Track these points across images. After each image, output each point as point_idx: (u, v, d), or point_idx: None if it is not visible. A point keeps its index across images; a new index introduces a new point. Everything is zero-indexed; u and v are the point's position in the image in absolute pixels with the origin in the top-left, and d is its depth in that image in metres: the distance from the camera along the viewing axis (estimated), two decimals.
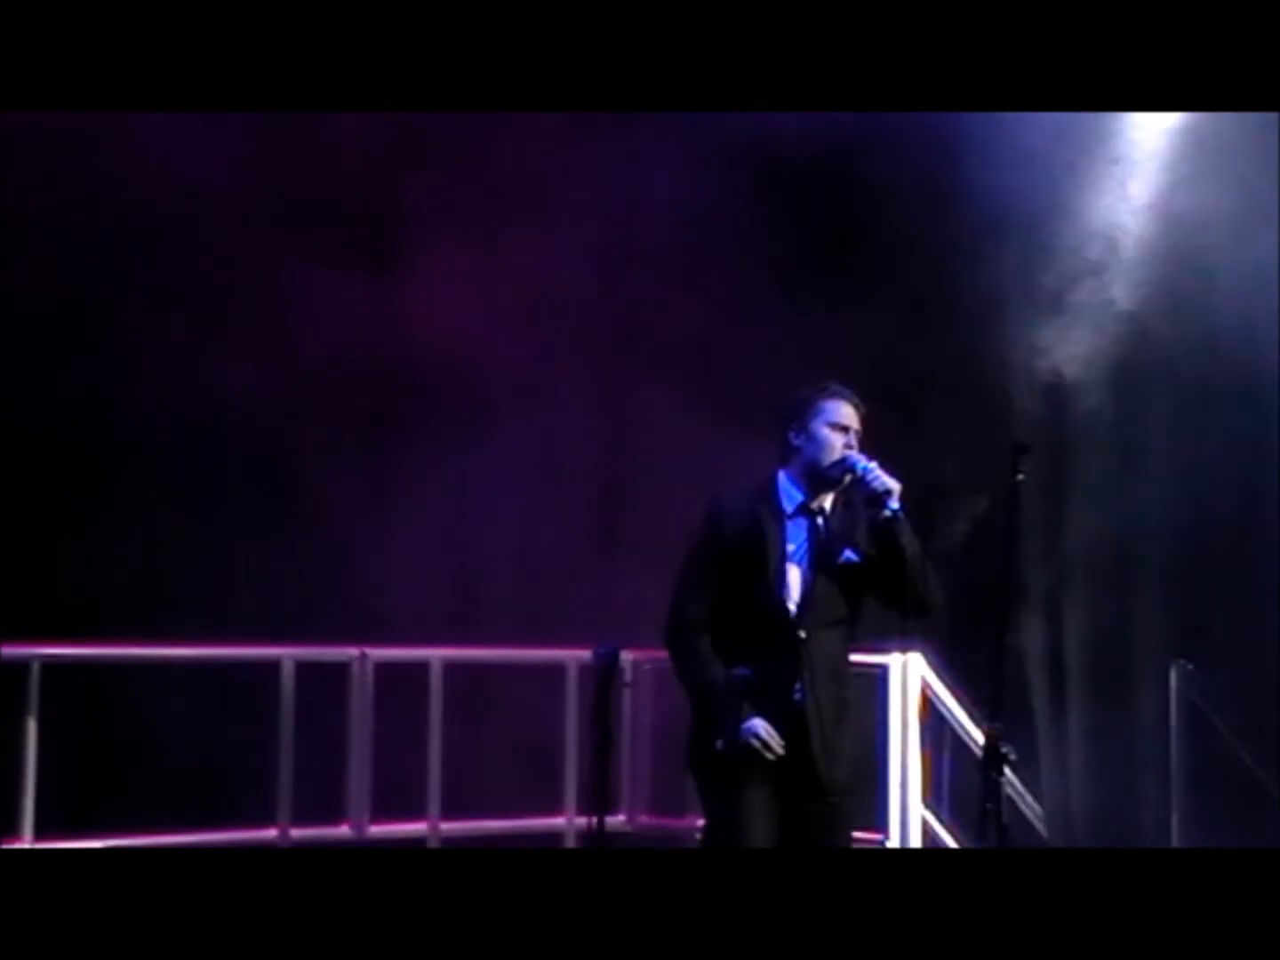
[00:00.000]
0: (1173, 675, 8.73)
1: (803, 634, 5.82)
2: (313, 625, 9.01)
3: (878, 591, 5.92)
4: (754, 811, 5.75)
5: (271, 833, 8.60)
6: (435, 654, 9.04)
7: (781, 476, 5.98)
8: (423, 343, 9.48)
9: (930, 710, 8.72)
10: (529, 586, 9.68)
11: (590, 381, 10.07)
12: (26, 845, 8.02)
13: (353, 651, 8.92)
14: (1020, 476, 6.00)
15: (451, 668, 9.10)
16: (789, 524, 5.92)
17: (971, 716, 8.60)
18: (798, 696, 5.81)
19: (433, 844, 8.91)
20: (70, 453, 8.97)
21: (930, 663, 8.78)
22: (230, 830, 8.48)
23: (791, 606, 5.86)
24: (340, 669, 8.91)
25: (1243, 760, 8.56)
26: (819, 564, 5.88)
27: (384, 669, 8.97)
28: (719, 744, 5.78)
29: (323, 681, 8.90)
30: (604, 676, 6.01)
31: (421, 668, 9.04)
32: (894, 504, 5.81)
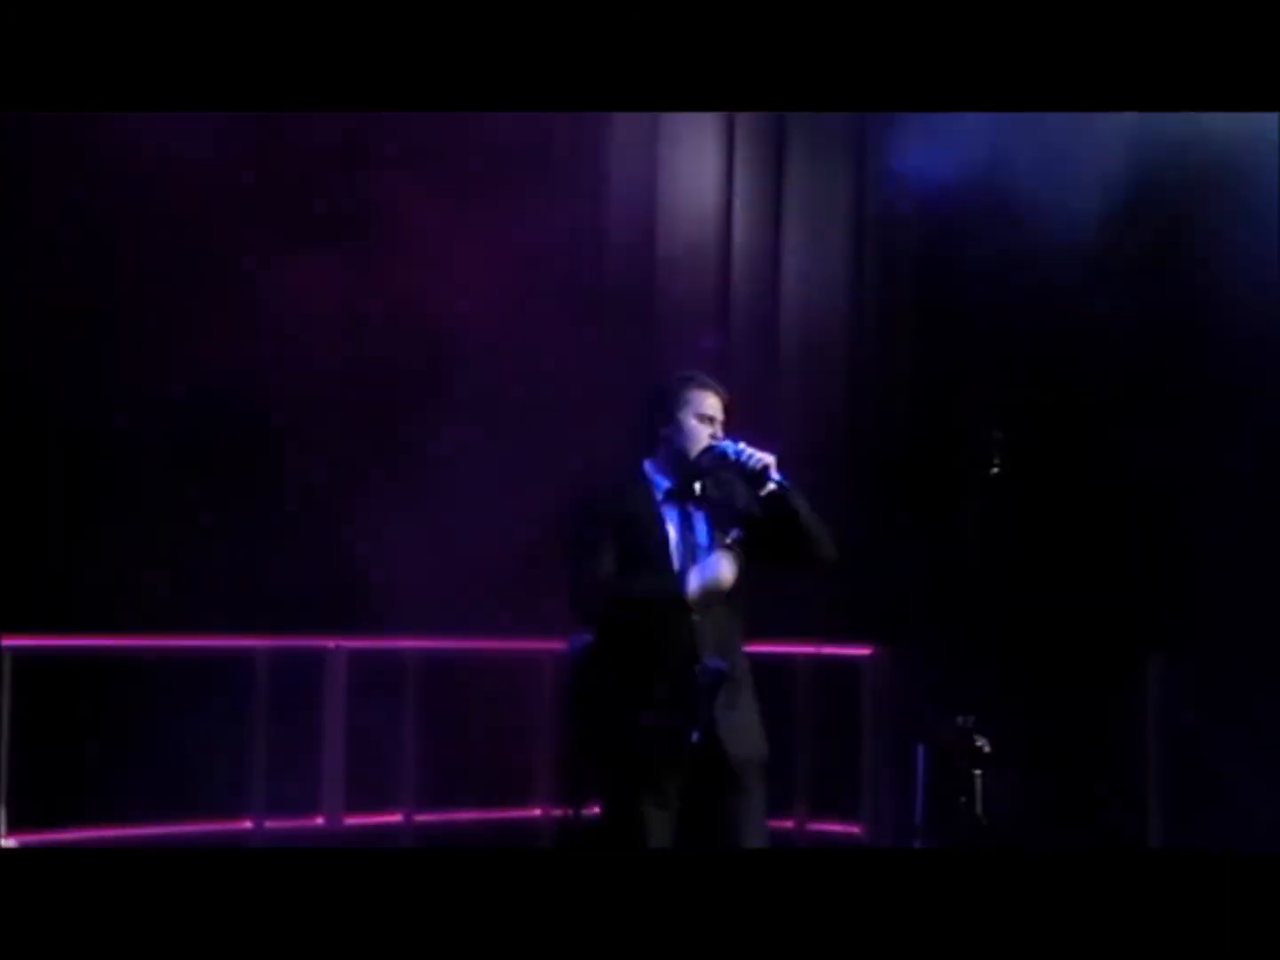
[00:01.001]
0: (1148, 667, 8.74)
1: (695, 617, 5.81)
2: (287, 616, 8.98)
3: (774, 556, 5.93)
4: (652, 809, 5.74)
5: (246, 824, 8.59)
6: (410, 645, 9.03)
7: (648, 466, 6.02)
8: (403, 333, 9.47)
9: (903, 703, 8.73)
10: (504, 577, 9.66)
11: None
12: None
13: (327, 643, 8.91)
14: (995, 469, 6.01)
15: (426, 659, 9.09)
16: (662, 511, 5.94)
17: (945, 710, 8.61)
18: (697, 672, 5.80)
19: (407, 835, 8.90)
20: (43, 442, 8.93)
21: (903, 656, 8.80)
22: (204, 822, 8.47)
23: (679, 586, 5.83)
24: (314, 660, 8.89)
25: (1218, 755, 8.57)
26: (699, 547, 5.89)
27: (358, 660, 8.95)
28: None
29: (297, 673, 8.89)
30: (579, 668, 5.99)
31: (396, 659, 9.03)
32: (775, 475, 5.84)
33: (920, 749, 8.29)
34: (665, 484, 5.99)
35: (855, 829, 8.68)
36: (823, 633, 9.10)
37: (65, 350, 8.94)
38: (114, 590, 8.89)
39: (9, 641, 8.15)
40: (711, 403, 6.00)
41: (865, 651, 8.85)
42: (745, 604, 5.96)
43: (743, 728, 5.85)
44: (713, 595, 5.81)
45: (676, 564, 5.87)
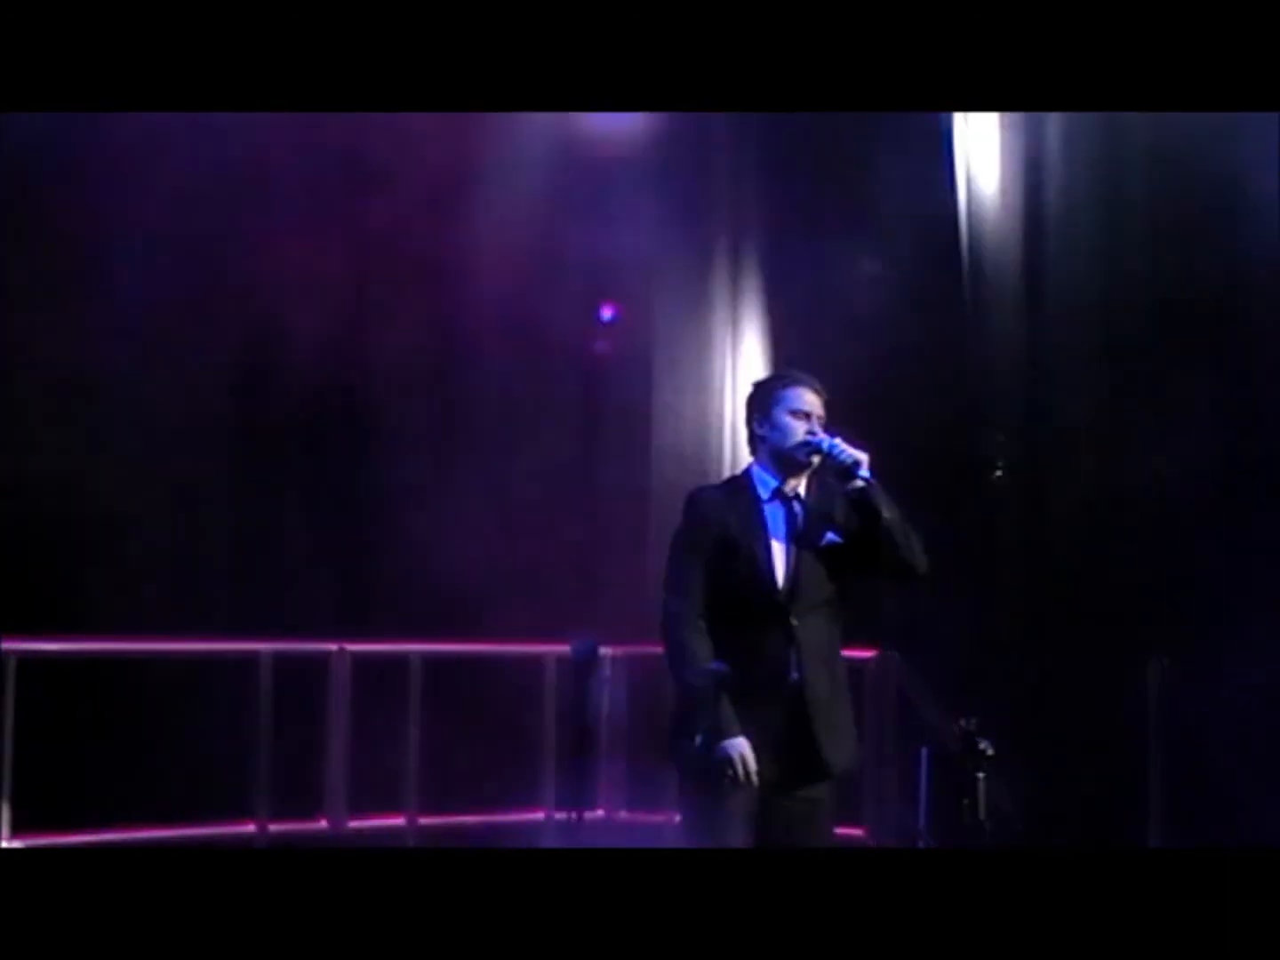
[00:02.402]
0: (1151, 672, 8.74)
1: (794, 620, 5.84)
2: (291, 620, 9.00)
3: (863, 566, 5.95)
4: (730, 815, 5.76)
5: (249, 827, 8.60)
6: (413, 648, 9.03)
7: (754, 467, 6.06)
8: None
9: (906, 706, 8.74)
10: (506, 581, 9.67)
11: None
12: (3, 844, 8.01)
13: (331, 646, 8.92)
14: (999, 473, 6.02)
15: (429, 662, 9.10)
16: (766, 510, 5.97)
17: (948, 712, 8.61)
18: (794, 680, 5.83)
19: (410, 838, 8.91)
20: (45, 444, 8.95)
21: (906, 659, 8.81)
22: (208, 825, 8.47)
23: (779, 591, 5.88)
24: (318, 663, 8.90)
25: (1220, 758, 8.57)
26: (800, 547, 5.93)
27: (362, 663, 8.96)
28: (697, 740, 5.77)
29: (301, 676, 8.90)
30: (582, 670, 6.01)
31: (400, 662, 9.04)
32: (864, 473, 5.86)
33: (923, 752, 8.30)
34: (772, 483, 6.00)
35: (858, 831, 8.69)
36: None
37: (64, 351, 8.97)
38: (117, 593, 8.91)
39: (12, 644, 8.15)
40: (807, 398, 6.02)
41: (868, 654, 8.86)
42: (843, 613, 5.99)
43: (841, 735, 5.90)
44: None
45: (780, 565, 5.91)
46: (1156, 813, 8.61)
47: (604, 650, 7.94)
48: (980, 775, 5.85)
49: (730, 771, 5.73)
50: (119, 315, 8.89)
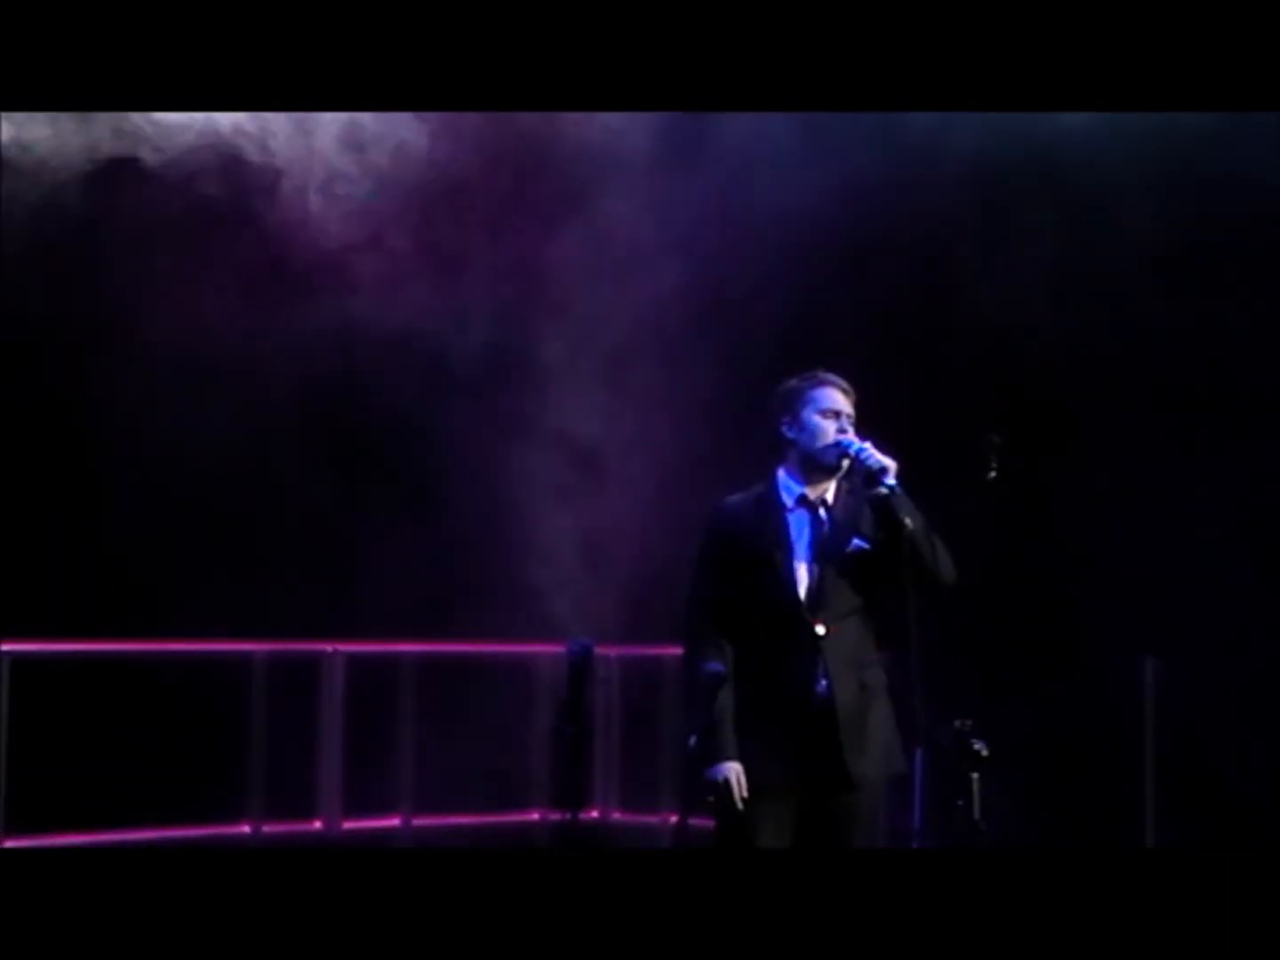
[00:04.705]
0: (1146, 670, 8.75)
1: (820, 629, 5.80)
2: (285, 621, 8.99)
3: (890, 574, 5.83)
4: (762, 824, 5.72)
5: (244, 828, 8.59)
6: (406, 649, 9.03)
7: (780, 473, 5.93)
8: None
9: (900, 706, 8.72)
10: (503, 581, 9.67)
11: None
12: None
13: (324, 647, 8.91)
14: (994, 473, 6.00)
15: (423, 663, 9.09)
16: (791, 518, 5.87)
17: (942, 713, 8.60)
18: (821, 690, 5.78)
19: (404, 839, 8.91)
20: (41, 446, 8.95)
21: (900, 660, 8.79)
22: (202, 826, 8.47)
23: (803, 600, 5.82)
24: (312, 665, 8.89)
25: (1214, 757, 8.58)
26: (826, 555, 5.84)
27: (355, 665, 8.96)
28: (690, 741, 5.75)
29: (294, 677, 8.89)
30: (577, 671, 6.00)
31: (393, 663, 9.03)
32: (890, 480, 5.75)
33: (917, 752, 8.29)
34: (797, 490, 5.89)
35: None
36: None
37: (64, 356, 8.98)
38: (111, 595, 8.91)
39: (7, 646, 8.15)
40: (836, 397, 5.89)
41: None
42: (876, 621, 5.89)
43: (870, 744, 5.81)
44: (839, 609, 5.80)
45: (803, 573, 5.81)
46: (1152, 812, 8.61)
47: (599, 651, 7.97)
48: (975, 776, 5.84)
49: (713, 797, 5.68)
50: None
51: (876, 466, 5.76)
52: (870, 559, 5.82)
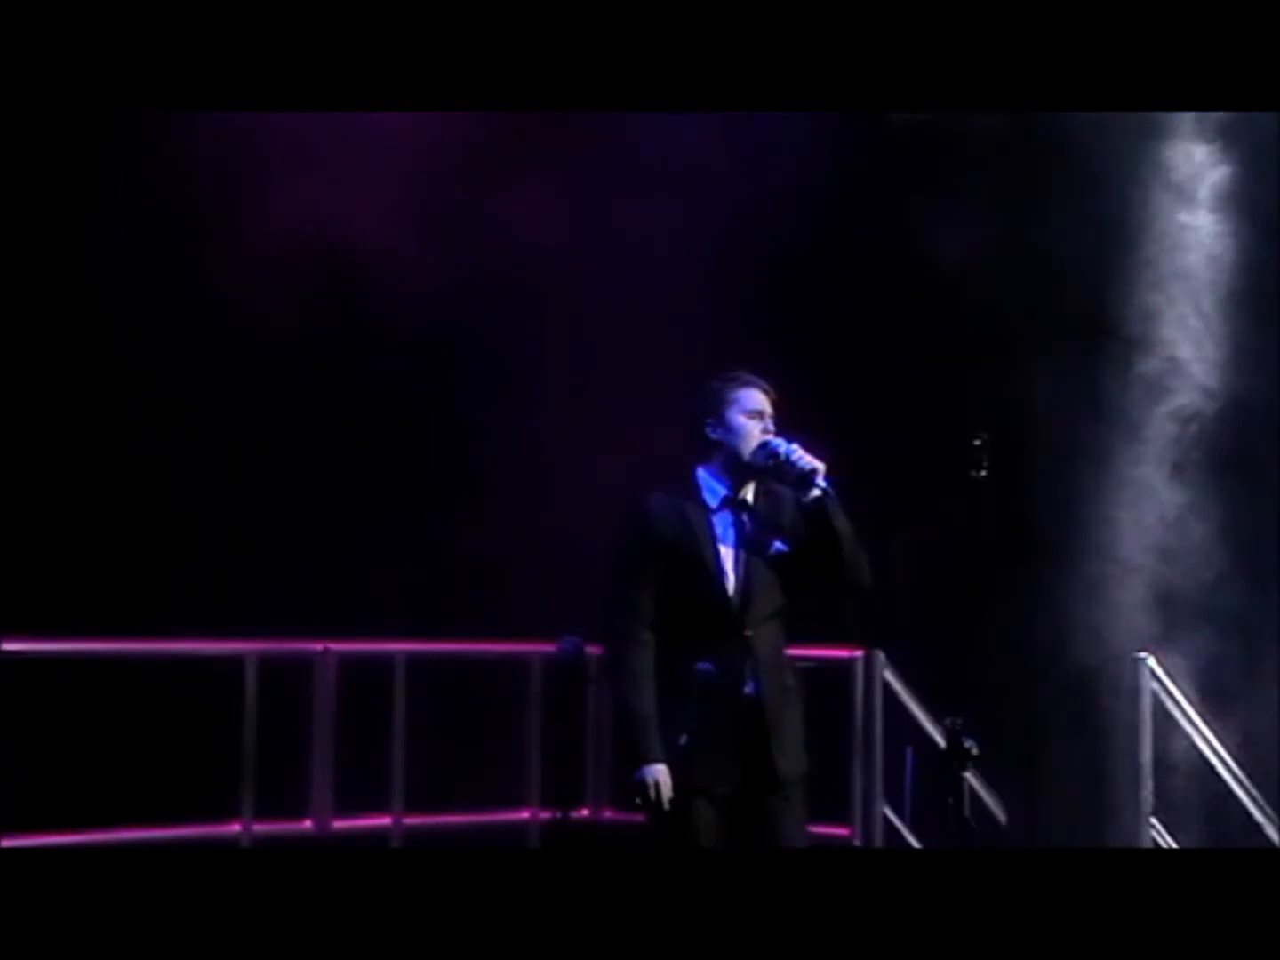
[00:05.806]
0: (1141, 669, 8.74)
1: (748, 632, 5.80)
2: (276, 620, 8.99)
3: (811, 575, 5.88)
4: (696, 824, 5.72)
5: (234, 828, 8.58)
6: (398, 648, 9.02)
7: (701, 473, 5.94)
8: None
9: (891, 705, 8.74)
10: (494, 580, 9.67)
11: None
12: None
13: (316, 646, 8.90)
14: (982, 473, 6.01)
15: (415, 662, 9.09)
16: (715, 519, 5.88)
17: (933, 711, 8.62)
18: (749, 691, 5.79)
19: (396, 839, 8.90)
20: (37, 444, 8.95)
21: (892, 659, 8.80)
22: (193, 826, 8.45)
23: (731, 602, 5.83)
24: (303, 664, 8.88)
25: (1208, 755, 8.58)
26: (750, 556, 5.86)
27: (347, 663, 8.95)
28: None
29: (285, 676, 8.88)
30: (568, 670, 6.00)
31: (385, 662, 9.02)
32: (821, 482, 5.79)
33: (909, 751, 8.30)
34: (721, 491, 5.90)
35: (844, 831, 8.68)
36: (811, 635, 9.10)
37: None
38: (101, 594, 8.90)
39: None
40: (759, 398, 5.93)
41: (854, 653, 8.85)
42: (788, 622, 5.92)
43: (790, 744, 5.84)
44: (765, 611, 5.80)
45: (730, 574, 5.83)
46: (1148, 812, 8.61)
47: (589, 649, 7.97)
48: (966, 774, 5.85)
49: (639, 799, 5.69)
50: None
51: (808, 468, 5.79)
52: (789, 560, 5.84)
